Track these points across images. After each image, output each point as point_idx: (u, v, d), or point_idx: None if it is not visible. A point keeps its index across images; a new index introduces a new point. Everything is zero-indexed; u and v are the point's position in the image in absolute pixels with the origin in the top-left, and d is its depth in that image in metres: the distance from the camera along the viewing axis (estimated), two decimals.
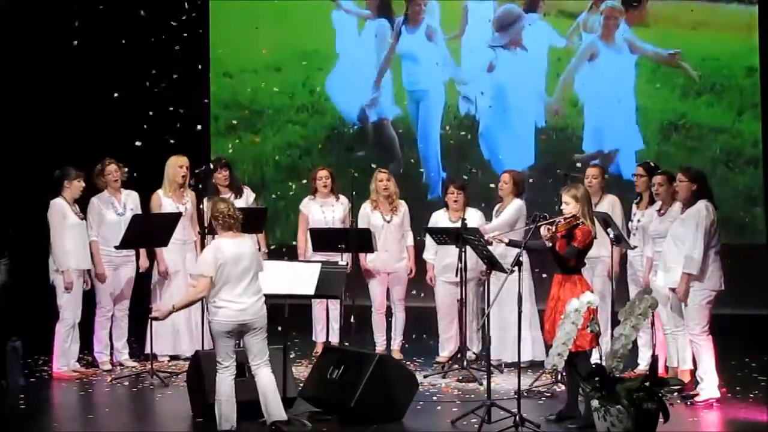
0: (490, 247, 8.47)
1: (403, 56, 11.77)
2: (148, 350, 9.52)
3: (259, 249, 9.21)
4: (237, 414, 7.18)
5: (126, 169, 9.49)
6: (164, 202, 9.64)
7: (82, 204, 9.27)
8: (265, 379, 7.21)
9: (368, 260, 9.72)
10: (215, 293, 7.13)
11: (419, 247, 9.90)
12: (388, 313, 9.93)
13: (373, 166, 10.52)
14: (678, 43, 11.02)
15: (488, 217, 9.57)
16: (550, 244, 7.49)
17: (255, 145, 11.98)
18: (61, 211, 9.03)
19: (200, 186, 9.68)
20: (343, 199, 9.90)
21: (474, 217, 9.34)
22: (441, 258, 9.57)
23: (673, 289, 8.11)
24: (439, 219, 9.60)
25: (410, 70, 11.78)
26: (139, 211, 9.48)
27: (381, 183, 9.72)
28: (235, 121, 11.94)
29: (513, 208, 9.27)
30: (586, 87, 11.27)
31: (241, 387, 7.28)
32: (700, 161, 10.61)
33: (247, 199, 9.93)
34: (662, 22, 11.08)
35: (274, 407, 7.17)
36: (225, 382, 7.18)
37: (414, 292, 10.13)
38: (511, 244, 7.93)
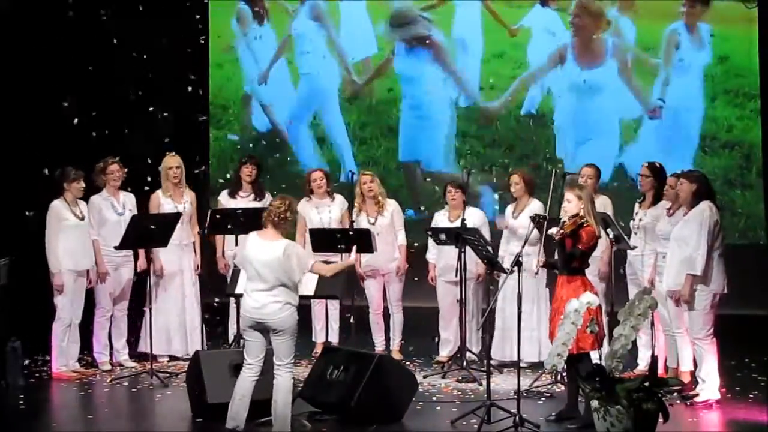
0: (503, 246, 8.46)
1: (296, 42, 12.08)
2: (141, 349, 9.60)
3: None
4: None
5: (126, 170, 9.51)
6: (163, 201, 9.66)
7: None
8: (279, 383, 7.10)
9: (362, 262, 9.71)
10: (246, 282, 7.22)
11: (413, 247, 9.94)
12: (386, 314, 9.93)
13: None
14: (654, 32, 11.22)
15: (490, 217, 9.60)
16: (559, 244, 7.48)
17: (218, 141, 12.12)
18: (57, 213, 9.05)
19: (225, 185, 9.75)
20: (338, 198, 9.90)
21: (474, 216, 9.34)
22: (441, 258, 9.56)
23: (675, 293, 8.08)
24: (439, 219, 9.60)
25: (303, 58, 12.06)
26: (136, 212, 9.49)
27: (365, 185, 9.72)
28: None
29: (536, 210, 9.18)
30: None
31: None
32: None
33: (266, 203, 9.90)
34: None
35: (279, 417, 7.10)
36: (242, 379, 7.15)
37: (412, 292, 10.12)
38: (546, 265, 7.87)
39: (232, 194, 9.89)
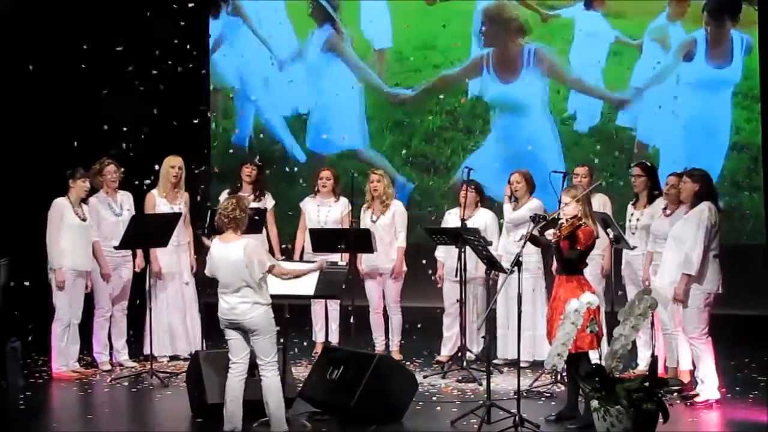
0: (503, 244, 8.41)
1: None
2: (144, 350, 9.60)
3: (271, 250, 9.29)
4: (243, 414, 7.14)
5: (122, 170, 9.52)
6: (158, 202, 9.67)
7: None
8: (266, 384, 7.11)
9: (362, 261, 9.72)
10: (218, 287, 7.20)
11: (416, 247, 9.92)
12: (386, 313, 9.92)
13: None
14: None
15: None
16: (555, 245, 7.49)
17: (226, 132, 12.23)
18: (59, 211, 9.06)
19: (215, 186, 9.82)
20: (343, 200, 9.89)
21: (484, 217, 9.34)
22: (449, 258, 9.55)
23: (671, 291, 8.10)
24: (451, 218, 9.60)
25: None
26: (134, 212, 9.50)
27: (372, 184, 9.74)
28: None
29: (533, 204, 9.25)
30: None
31: (247, 386, 7.23)
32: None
33: (266, 204, 9.94)
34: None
35: (274, 418, 7.11)
36: (231, 380, 7.15)
37: (411, 293, 10.09)
38: (532, 239, 7.86)
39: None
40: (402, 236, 9.78)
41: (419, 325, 9.98)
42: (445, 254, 9.60)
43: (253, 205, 9.61)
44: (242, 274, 7.01)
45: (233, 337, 7.14)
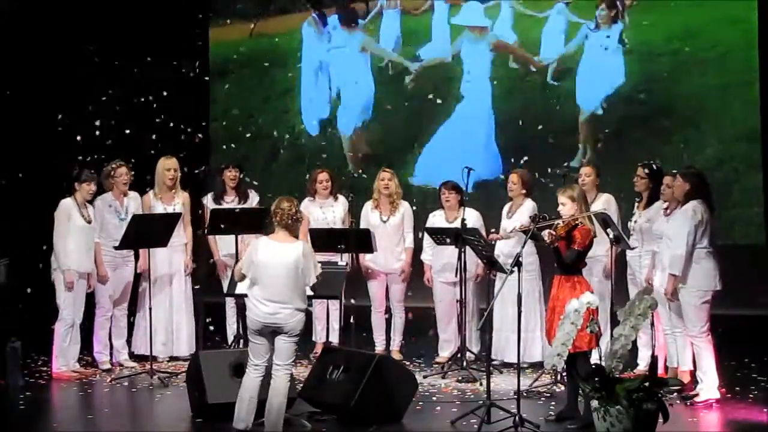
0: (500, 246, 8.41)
1: None
2: (141, 351, 9.61)
3: None
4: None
5: (133, 172, 9.51)
6: (154, 203, 9.66)
7: None
8: (277, 385, 7.06)
9: (366, 259, 9.73)
10: (250, 289, 7.08)
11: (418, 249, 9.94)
12: (388, 313, 9.92)
13: None
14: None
15: (494, 217, 9.57)
16: (554, 246, 7.49)
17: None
18: (67, 211, 9.05)
19: (205, 186, 9.79)
20: (341, 198, 9.90)
21: (471, 217, 9.33)
22: (437, 259, 9.56)
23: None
24: (436, 220, 9.59)
25: None
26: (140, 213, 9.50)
27: (382, 182, 9.72)
28: None
29: (528, 210, 9.24)
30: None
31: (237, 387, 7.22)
32: None
33: (252, 203, 9.95)
34: None
35: (272, 418, 7.07)
36: (250, 380, 7.09)
37: (410, 293, 10.07)
38: (525, 231, 7.84)
39: (217, 200, 9.85)
40: (411, 237, 9.78)
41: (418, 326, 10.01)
42: (432, 256, 9.61)
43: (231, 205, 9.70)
44: (296, 276, 6.95)
45: (261, 341, 7.06)
